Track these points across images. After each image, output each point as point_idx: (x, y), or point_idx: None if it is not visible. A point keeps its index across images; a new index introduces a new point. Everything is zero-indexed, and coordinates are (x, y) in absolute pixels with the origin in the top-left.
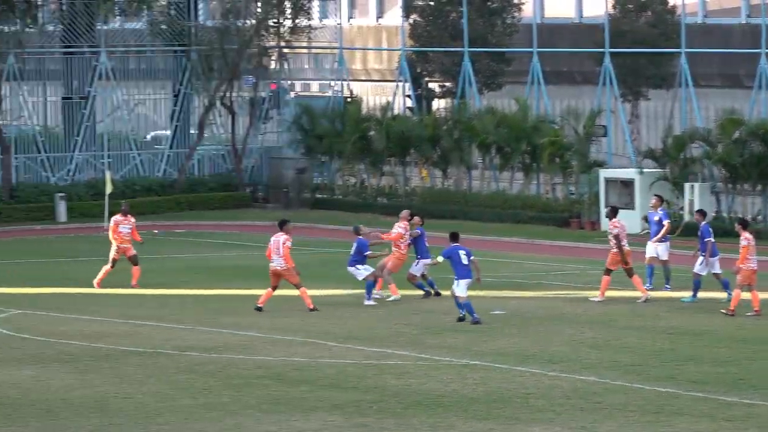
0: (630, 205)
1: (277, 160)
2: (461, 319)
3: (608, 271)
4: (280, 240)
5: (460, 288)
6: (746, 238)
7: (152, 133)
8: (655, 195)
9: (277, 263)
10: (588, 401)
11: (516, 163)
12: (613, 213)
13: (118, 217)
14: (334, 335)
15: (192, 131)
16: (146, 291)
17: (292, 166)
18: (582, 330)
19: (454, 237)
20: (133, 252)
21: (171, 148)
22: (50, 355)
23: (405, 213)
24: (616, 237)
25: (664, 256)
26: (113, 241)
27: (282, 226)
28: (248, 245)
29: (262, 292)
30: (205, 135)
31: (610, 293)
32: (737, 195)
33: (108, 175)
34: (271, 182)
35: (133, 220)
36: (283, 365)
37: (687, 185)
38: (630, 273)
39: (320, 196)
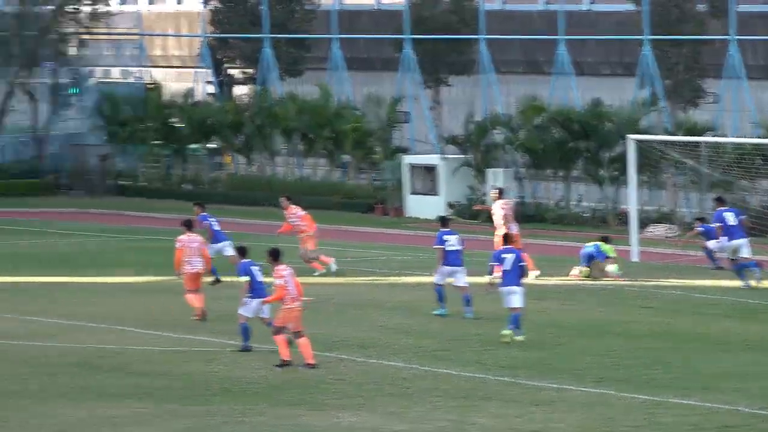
0: (434, 191)
1: (80, 147)
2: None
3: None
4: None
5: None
6: (280, 275)
7: None
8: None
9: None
10: (397, 387)
11: (320, 149)
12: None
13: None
14: (142, 322)
15: None
16: None
17: (95, 153)
18: (389, 316)
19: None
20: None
21: None
22: None
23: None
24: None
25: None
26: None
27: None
28: (48, 232)
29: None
30: (7, 122)
31: (421, 279)
32: (540, 181)
33: None
34: (74, 169)
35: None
36: (91, 352)
37: (490, 171)
38: None
39: (124, 182)
